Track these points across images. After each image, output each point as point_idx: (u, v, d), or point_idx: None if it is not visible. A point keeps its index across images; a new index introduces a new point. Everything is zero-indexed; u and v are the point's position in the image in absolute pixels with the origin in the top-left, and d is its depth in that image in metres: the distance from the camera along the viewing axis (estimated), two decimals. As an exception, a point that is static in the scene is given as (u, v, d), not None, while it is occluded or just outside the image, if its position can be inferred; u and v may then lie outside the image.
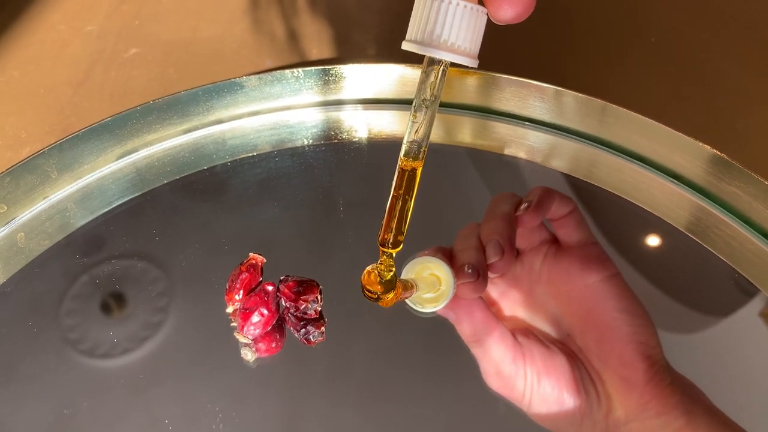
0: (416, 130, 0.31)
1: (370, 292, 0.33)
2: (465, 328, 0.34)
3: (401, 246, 0.33)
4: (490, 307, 0.36)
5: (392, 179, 0.34)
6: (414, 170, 0.32)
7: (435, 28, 0.29)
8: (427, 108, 0.31)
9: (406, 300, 0.35)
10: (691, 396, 0.33)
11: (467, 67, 0.30)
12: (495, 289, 0.37)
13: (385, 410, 0.37)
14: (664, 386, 0.33)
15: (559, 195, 0.36)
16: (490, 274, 0.33)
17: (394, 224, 0.33)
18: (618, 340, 0.33)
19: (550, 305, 0.36)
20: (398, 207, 0.33)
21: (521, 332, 0.35)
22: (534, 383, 0.34)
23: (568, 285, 0.35)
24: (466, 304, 0.34)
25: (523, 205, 0.35)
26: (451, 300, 0.33)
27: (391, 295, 0.33)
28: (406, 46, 0.30)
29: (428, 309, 0.34)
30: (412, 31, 0.30)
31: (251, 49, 0.61)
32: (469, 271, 0.33)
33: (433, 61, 0.31)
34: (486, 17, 0.30)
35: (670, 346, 0.39)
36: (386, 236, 0.33)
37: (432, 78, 0.31)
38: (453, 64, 0.30)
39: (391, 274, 0.34)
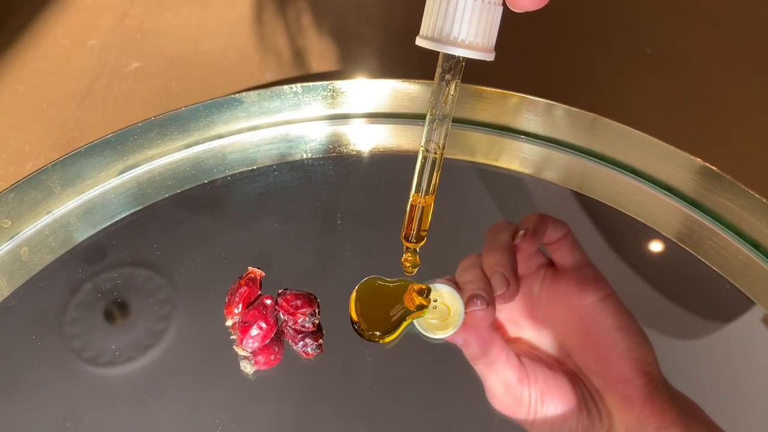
0: (434, 128, 0.32)
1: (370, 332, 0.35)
2: (472, 351, 0.35)
3: (425, 240, 0.34)
4: (495, 330, 0.37)
5: (390, 192, 0.35)
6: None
7: (446, 24, 0.29)
8: (445, 105, 0.32)
9: (416, 325, 0.36)
10: (688, 411, 0.34)
11: (484, 60, 0.29)
12: (498, 314, 0.39)
13: (384, 423, 0.37)
14: (662, 402, 0.33)
15: (553, 220, 0.37)
16: (498, 304, 0.35)
17: (415, 225, 0.34)
18: (616, 357, 0.34)
19: (551, 327, 0.37)
20: (417, 211, 0.34)
21: (525, 354, 0.37)
22: (537, 403, 0.35)
23: (566, 306, 0.36)
24: (474, 327, 0.35)
25: (520, 233, 0.36)
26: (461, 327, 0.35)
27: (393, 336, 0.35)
28: (419, 42, 0.30)
29: (438, 335, 0.35)
30: (425, 26, 0.29)
31: (252, 63, 0.62)
32: (479, 301, 0.34)
33: (448, 58, 0.31)
34: (501, 9, 0.29)
35: (665, 355, 0.39)
36: (409, 230, 0.34)
37: (446, 72, 0.31)
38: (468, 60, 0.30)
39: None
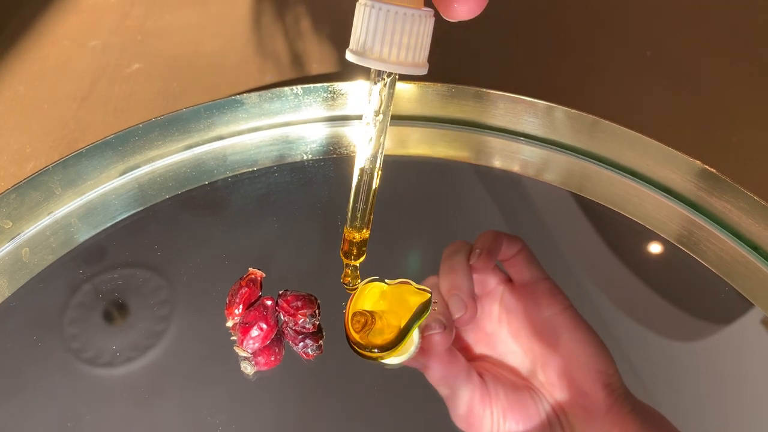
0: (369, 142, 0.31)
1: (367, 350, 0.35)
2: (432, 375, 0.36)
3: (364, 256, 0.34)
4: (458, 350, 0.37)
5: (390, 193, 0.35)
6: (370, 183, 0.32)
7: (369, 37, 0.27)
8: (377, 120, 0.31)
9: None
10: (652, 422, 0.34)
11: (414, 75, 0.28)
12: (462, 333, 0.39)
13: (384, 424, 0.37)
14: (624, 414, 0.34)
15: (507, 237, 0.38)
16: (457, 327, 0.35)
17: (353, 248, 0.34)
18: (576, 370, 0.35)
19: (513, 343, 0.38)
20: (358, 219, 0.34)
21: (488, 371, 0.37)
22: (500, 421, 0.35)
23: (524, 322, 0.37)
24: (433, 351, 0.35)
25: (475, 253, 0.36)
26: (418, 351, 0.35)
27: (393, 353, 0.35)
28: (348, 56, 0.28)
29: (394, 360, 0.35)
30: (352, 40, 0.28)
31: (252, 64, 0.62)
32: (436, 326, 0.34)
33: (379, 73, 0.29)
34: (432, 20, 0.28)
35: (663, 357, 0.39)
36: (348, 248, 0.34)
37: (379, 88, 0.30)
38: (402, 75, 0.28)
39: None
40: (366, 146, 0.31)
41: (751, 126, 0.57)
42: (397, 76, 0.29)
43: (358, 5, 0.28)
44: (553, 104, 0.48)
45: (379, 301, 0.37)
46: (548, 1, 0.69)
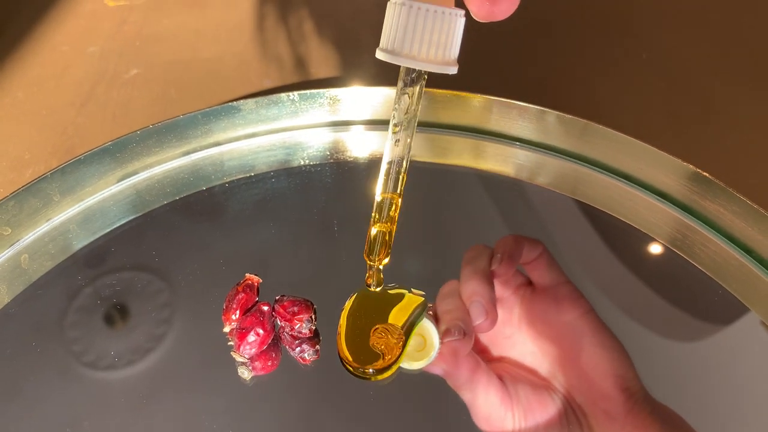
0: (396, 145, 0.31)
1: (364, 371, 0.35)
2: (453, 380, 0.36)
3: (389, 258, 0.35)
4: (478, 353, 0.37)
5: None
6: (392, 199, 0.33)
7: (404, 35, 0.27)
8: (406, 120, 0.31)
9: None
10: (672, 424, 0.34)
11: (447, 74, 0.28)
12: (481, 336, 0.39)
13: (381, 428, 0.38)
14: (643, 416, 0.34)
15: (528, 240, 0.38)
16: (476, 333, 0.35)
17: (377, 247, 0.34)
18: (595, 374, 0.35)
19: (533, 345, 0.38)
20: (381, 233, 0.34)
21: (508, 374, 0.37)
22: (522, 423, 0.35)
23: (545, 325, 0.37)
24: (452, 356, 0.35)
25: (497, 258, 0.37)
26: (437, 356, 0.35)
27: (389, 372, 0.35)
28: (379, 55, 0.29)
29: (414, 366, 0.36)
30: (384, 38, 0.28)
31: (250, 69, 0.63)
32: (456, 332, 0.34)
33: (409, 71, 0.29)
34: (463, 20, 0.28)
35: (657, 359, 0.40)
36: (373, 250, 0.34)
37: (409, 89, 0.30)
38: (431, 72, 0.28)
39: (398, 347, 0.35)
40: (393, 148, 0.32)
41: (744, 129, 0.57)
42: (426, 75, 0.30)
43: (389, 4, 0.28)
44: (545, 108, 0.49)
45: (372, 310, 0.37)
46: (542, 4, 0.69)
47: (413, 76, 0.30)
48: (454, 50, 0.28)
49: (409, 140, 0.32)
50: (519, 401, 0.36)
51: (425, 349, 0.36)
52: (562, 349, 0.36)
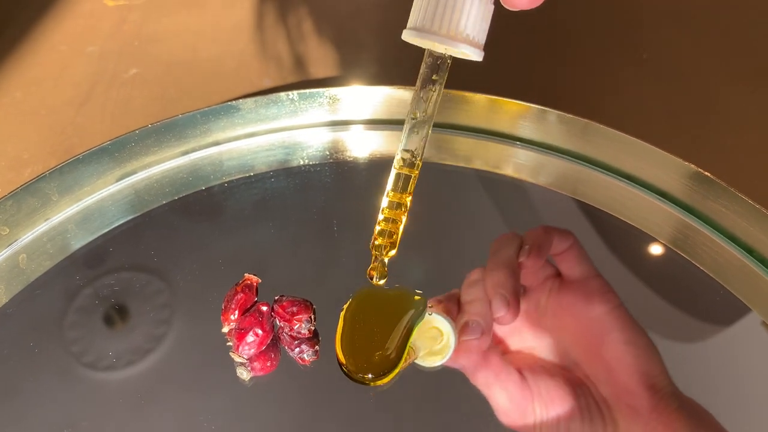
0: (415, 132, 0.31)
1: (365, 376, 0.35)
2: (472, 377, 0.36)
3: (395, 251, 0.34)
4: (498, 344, 0.37)
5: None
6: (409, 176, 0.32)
7: (431, 16, 0.27)
8: (428, 104, 0.31)
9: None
10: (699, 421, 0.34)
11: (471, 59, 0.28)
12: (502, 327, 0.39)
13: (380, 428, 0.37)
14: (669, 412, 0.34)
15: (558, 231, 0.38)
16: (496, 326, 0.35)
17: (386, 238, 0.34)
18: (622, 370, 0.35)
19: (558, 337, 0.38)
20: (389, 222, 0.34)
21: (528, 366, 0.37)
22: (543, 415, 0.35)
23: (573, 318, 0.37)
24: (470, 351, 0.35)
25: (525, 249, 0.36)
26: (454, 351, 0.35)
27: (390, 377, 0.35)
28: (406, 35, 0.28)
29: (430, 363, 0.35)
30: (415, 17, 0.28)
31: (250, 69, 0.63)
32: (474, 329, 0.34)
33: (435, 56, 0.29)
34: (492, 7, 0.28)
35: (663, 359, 0.39)
36: (381, 241, 0.34)
37: (432, 71, 0.30)
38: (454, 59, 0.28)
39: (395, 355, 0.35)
40: (413, 134, 0.31)
41: (745, 129, 0.57)
42: (450, 59, 0.29)
43: None
44: (545, 108, 0.48)
45: (371, 313, 0.37)
46: (542, 4, 0.69)
47: (439, 61, 0.29)
48: (483, 35, 0.28)
49: (428, 128, 0.31)
50: (539, 394, 0.35)
51: (441, 347, 0.35)
52: (589, 343, 0.36)
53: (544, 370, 0.37)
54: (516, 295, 0.36)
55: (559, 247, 0.38)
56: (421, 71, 0.30)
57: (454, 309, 0.38)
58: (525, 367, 0.37)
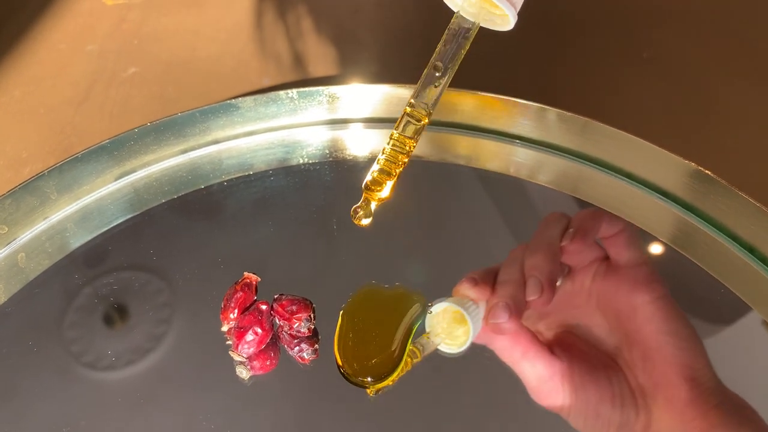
0: (434, 85, 0.31)
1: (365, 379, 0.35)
2: (499, 353, 0.36)
3: (389, 194, 0.34)
4: (544, 317, 0.37)
5: (387, 197, 0.35)
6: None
7: None
8: (451, 63, 0.31)
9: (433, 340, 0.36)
10: (739, 418, 0.34)
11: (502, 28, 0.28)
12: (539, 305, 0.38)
13: (381, 428, 0.37)
14: (708, 407, 0.33)
15: (608, 216, 0.37)
16: (527, 310, 0.35)
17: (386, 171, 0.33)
18: (662, 361, 0.35)
19: (599, 321, 0.37)
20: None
21: (563, 344, 0.37)
22: (571, 397, 0.35)
23: (616, 304, 0.36)
24: (499, 330, 0.35)
25: (569, 233, 0.36)
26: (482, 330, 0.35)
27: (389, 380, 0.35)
28: None
29: (454, 349, 0.35)
30: None
31: (249, 68, 0.62)
32: (501, 314, 0.34)
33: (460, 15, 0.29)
34: None
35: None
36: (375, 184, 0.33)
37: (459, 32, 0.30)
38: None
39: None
40: (431, 86, 0.31)
41: (746, 128, 0.57)
42: (478, 25, 0.29)
43: None
44: (545, 106, 0.48)
45: (370, 314, 0.37)
46: (542, 2, 0.69)
47: (467, 27, 0.30)
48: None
49: (444, 87, 0.31)
50: (571, 375, 0.35)
51: (463, 332, 0.35)
52: (631, 330, 0.36)
53: (581, 352, 0.37)
54: (551, 281, 0.35)
55: (608, 231, 0.37)
56: (451, 25, 0.30)
57: (489, 287, 0.37)
58: (562, 347, 0.37)
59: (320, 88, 0.50)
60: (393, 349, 0.36)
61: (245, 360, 0.38)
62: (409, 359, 0.37)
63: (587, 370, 0.36)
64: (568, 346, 0.37)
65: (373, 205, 0.34)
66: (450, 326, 0.36)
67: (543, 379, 0.35)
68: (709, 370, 0.35)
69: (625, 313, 0.36)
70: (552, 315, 0.38)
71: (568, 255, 0.37)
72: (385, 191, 0.34)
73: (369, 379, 0.36)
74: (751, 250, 0.44)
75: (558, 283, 0.37)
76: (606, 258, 0.38)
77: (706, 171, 0.44)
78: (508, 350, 0.35)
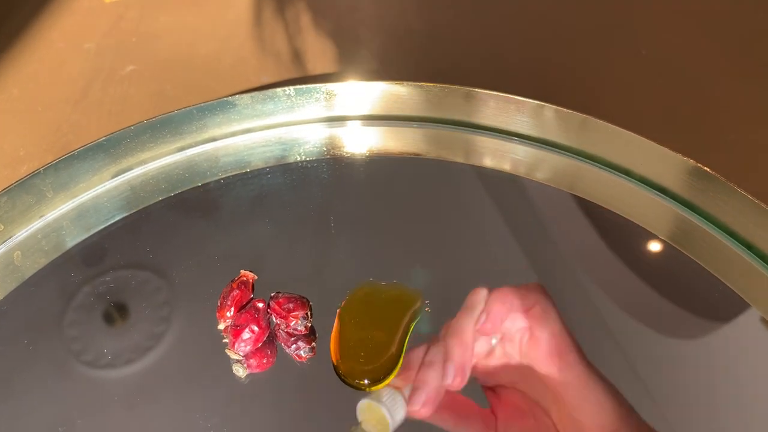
0: None
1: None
2: (436, 423, 0.37)
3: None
4: (484, 375, 0.39)
5: (384, 195, 0.35)
6: None
7: None
8: None
9: None
10: None
11: None
12: (489, 360, 0.40)
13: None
14: None
15: (522, 292, 0.39)
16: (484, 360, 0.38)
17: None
18: (584, 422, 0.36)
19: (530, 384, 0.39)
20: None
21: (504, 402, 0.38)
22: None
23: (540, 372, 0.38)
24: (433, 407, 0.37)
25: (480, 319, 0.39)
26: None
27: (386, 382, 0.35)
28: None
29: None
30: None
31: (247, 65, 0.62)
32: (417, 400, 0.36)
33: None
34: None
35: (658, 355, 0.39)
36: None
37: None
38: None
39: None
40: None
41: (745, 125, 0.57)
42: None
43: None
44: (543, 103, 0.48)
45: (369, 314, 0.37)
46: (543, 2, 0.69)
47: None
48: None
49: None
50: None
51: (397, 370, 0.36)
52: (556, 395, 0.37)
53: (519, 412, 0.38)
54: (462, 367, 0.37)
55: (524, 306, 0.40)
56: None
57: (413, 371, 0.39)
58: (502, 405, 0.38)
59: (317, 85, 0.50)
60: (390, 351, 0.36)
61: (242, 358, 0.38)
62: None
63: (520, 428, 0.37)
64: (508, 405, 0.38)
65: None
66: (377, 415, 0.36)
67: None
68: (631, 426, 0.36)
69: (548, 380, 0.38)
70: (495, 375, 0.39)
71: (504, 312, 0.40)
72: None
73: (366, 381, 0.36)
74: (750, 246, 0.44)
75: (494, 342, 0.39)
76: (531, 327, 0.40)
77: (705, 168, 0.44)
78: (443, 420, 0.37)
